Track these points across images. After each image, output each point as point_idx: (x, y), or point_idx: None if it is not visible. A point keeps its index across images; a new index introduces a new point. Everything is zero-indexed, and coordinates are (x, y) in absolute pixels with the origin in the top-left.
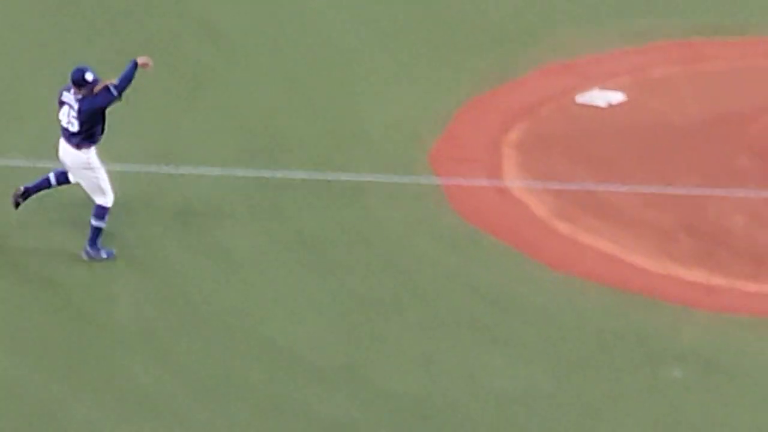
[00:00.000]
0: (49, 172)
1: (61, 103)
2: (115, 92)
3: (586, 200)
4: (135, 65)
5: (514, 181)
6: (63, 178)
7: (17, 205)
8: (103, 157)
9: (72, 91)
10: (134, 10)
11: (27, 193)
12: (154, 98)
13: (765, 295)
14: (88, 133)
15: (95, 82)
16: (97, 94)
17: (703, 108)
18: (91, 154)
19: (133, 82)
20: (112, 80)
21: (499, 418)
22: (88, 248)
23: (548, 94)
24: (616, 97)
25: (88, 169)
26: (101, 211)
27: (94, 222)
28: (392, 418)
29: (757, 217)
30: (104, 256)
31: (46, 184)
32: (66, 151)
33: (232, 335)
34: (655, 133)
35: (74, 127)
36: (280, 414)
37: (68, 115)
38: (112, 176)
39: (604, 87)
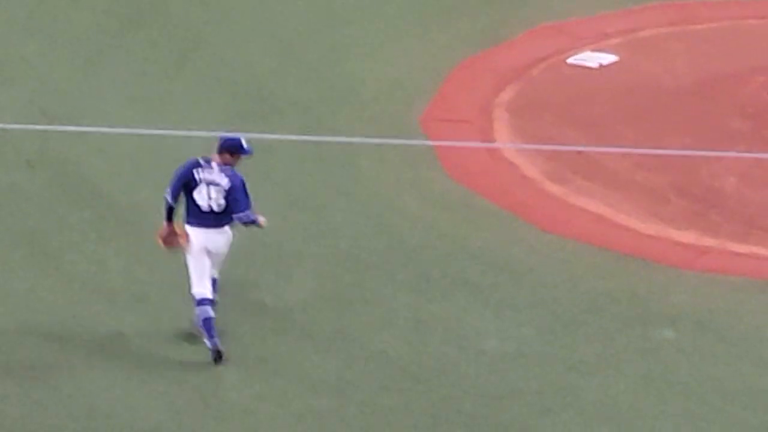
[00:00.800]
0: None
1: (195, 182)
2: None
3: (577, 162)
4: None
5: (505, 142)
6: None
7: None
8: (93, 122)
9: (216, 165)
10: None
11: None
12: (144, 62)
13: (755, 255)
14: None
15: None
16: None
17: (695, 69)
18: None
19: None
20: None
21: (491, 379)
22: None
23: (540, 56)
24: (608, 58)
25: (227, 246)
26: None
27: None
28: (384, 379)
29: (748, 178)
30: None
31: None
32: (210, 238)
33: (222, 297)
34: (646, 95)
35: (221, 206)
36: (270, 376)
37: (211, 194)
38: (102, 139)
39: (596, 48)
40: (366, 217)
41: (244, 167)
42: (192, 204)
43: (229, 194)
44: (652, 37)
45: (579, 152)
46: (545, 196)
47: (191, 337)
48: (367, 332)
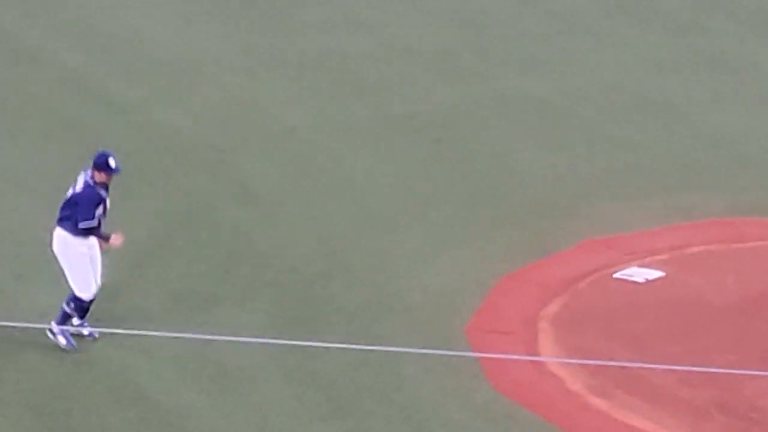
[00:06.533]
0: None
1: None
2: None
3: (621, 376)
4: (105, 237)
5: (549, 356)
6: None
7: None
8: (139, 324)
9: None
10: (174, 169)
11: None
12: (192, 264)
13: None
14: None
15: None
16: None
17: (742, 287)
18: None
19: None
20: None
21: None
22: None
23: (587, 270)
24: (655, 274)
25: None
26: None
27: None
28: None
29: None
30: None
31: None
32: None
33: None
34: (692, 311)
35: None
36: None
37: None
38: (147, 340)
39: (643, 264)
40: (408, 426)
41: (288, 371)
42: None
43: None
44: (699, 254)
45: (623, 367)
46: (589, 410)
47: None
48: None
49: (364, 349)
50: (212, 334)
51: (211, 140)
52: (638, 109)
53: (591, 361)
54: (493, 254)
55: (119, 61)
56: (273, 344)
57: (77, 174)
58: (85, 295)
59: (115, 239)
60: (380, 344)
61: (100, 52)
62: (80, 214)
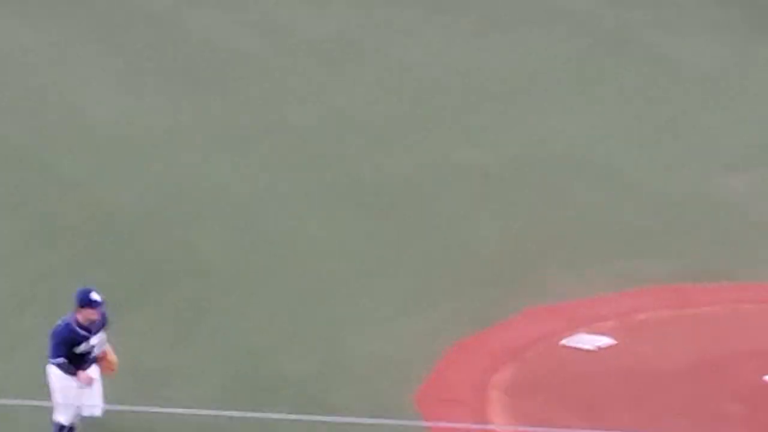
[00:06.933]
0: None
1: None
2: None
3: None
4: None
5: (500, 424)
6: None
7: None
8: None
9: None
10: (123, 245)
11: None
12: (143, 338)
13: None
14: None
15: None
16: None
17: (691, 352)
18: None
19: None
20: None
21: None
22: None
23: (535, 337)
24: (603, 340)
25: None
26: None
27: None
28: None
29: None
30: None
31: None
32: None
33: None
34: (642, 377)
35: None
36: None
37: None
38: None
39: (591, 330)
40: None
41: None
42: None
43: None
44: (647, 320)
45: None
46: None
47: None
48: None
49: (315, 420)
50: (164, 407)
51: (161, 214)
52: (584, 176)
53: (542, 430)
54: (442, 323)
55: (63, 138)
56: (225, 417)
57: None
58: (60, 417)
59: (84, 376)
60: (331, 414)
61: (43, 128)
62: (49, 353)
